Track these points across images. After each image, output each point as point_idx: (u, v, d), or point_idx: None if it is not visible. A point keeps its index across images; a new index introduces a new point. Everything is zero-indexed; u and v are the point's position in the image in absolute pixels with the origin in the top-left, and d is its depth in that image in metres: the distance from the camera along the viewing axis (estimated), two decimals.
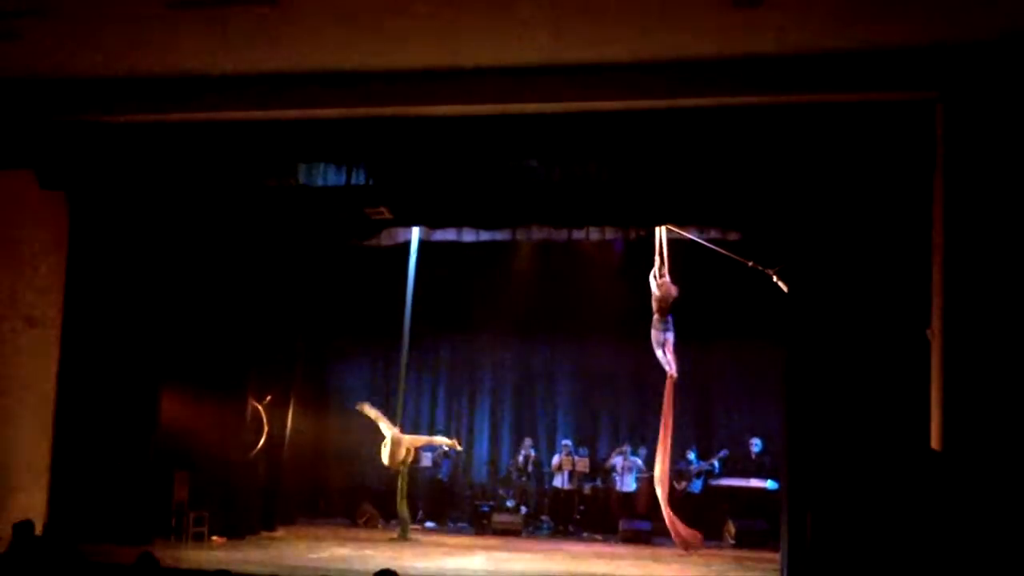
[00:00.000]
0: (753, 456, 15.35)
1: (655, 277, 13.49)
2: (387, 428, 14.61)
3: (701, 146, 10.45)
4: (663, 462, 13.43)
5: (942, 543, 9.53)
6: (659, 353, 13.49)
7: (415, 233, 14.62)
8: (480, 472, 17.07)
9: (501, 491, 16.40)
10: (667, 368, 13.48)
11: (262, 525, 14.32)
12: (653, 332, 13.52)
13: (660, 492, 13.37)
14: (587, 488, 16.04)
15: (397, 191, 12.03)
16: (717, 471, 15.55)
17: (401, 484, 14.61)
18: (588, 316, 16.40)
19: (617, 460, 15.79)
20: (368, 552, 12.93)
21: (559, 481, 15.84)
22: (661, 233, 13.43)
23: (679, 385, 13.65)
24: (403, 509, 14.60)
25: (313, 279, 15.54)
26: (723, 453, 15.61)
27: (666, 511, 13.36)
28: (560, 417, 17.03)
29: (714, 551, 14.02)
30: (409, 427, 16.29)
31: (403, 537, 14.31)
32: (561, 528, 15.72)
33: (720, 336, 15.87)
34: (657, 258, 13.48)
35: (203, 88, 10.71)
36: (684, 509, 15.39)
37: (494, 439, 17.18)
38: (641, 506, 15.54)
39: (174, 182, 11.83)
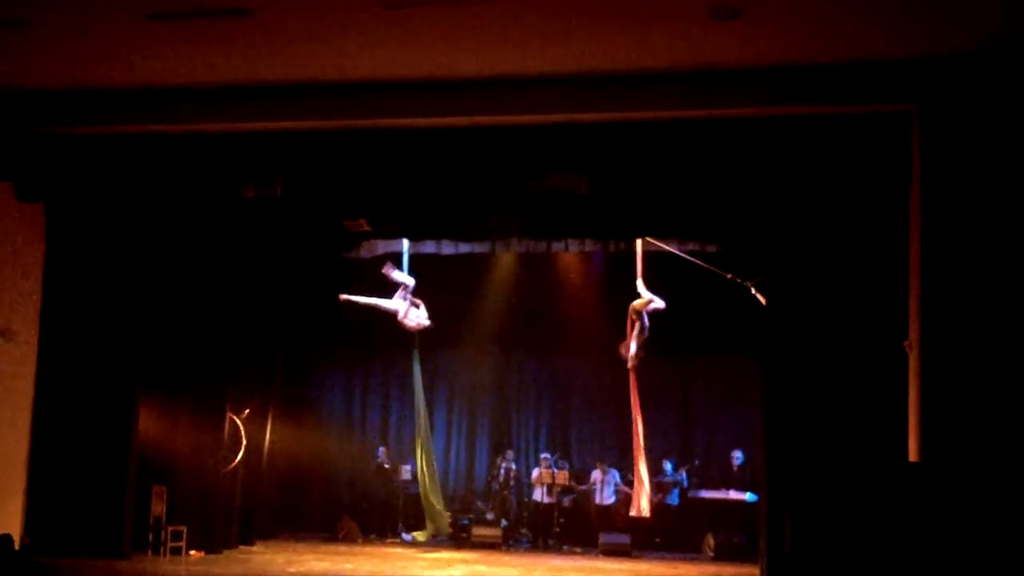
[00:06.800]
0: (735, 468, 15.37)
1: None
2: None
3: (680, 158, 10.45)
4: (636, 459, 13.83)
5: (921, 555, 9.56)
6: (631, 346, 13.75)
7: (405, 245, 14.64)
8: (459, 485, 17.03)
9: (480, 504, 16.37)
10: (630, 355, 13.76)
11: (240, 539, 14.25)
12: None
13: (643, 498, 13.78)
14: (567, 501, 16.03)
15: (377, 203, 12.03)
16: (685, 483, 15.57)
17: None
18: (568, 328, 16.43)
19: (596, 473, 15.81)
20: (347, 566, 12.90)
21: (538, 494, 15.82)
22: (637, 248, 13.52)
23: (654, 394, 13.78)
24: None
25: (292, 291, 15.49)
26: (693, 463, 15.66)
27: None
28: (539, 430, 17.00)
29: (693, 564, 14.04)
30: (393, 442, 16.37)
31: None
32: (541, 541, 15.71)
33: (699, 348, 15.94)
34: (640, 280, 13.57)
35: (181, 99, 10.66)
36: (662, 521, 15.47)
37: (472, 452, 17.15)
38: (620, 519, 15.53)
39: (152, 194, 11.75)
